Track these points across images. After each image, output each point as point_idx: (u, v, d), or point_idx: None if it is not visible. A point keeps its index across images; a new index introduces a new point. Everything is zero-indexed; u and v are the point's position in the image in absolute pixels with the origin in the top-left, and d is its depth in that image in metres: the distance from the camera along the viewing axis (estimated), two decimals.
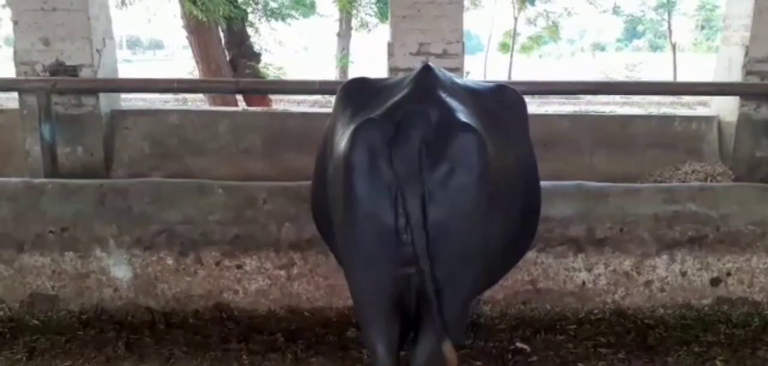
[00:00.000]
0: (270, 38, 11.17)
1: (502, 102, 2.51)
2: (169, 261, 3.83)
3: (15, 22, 4.73)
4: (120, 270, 3.80)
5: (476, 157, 2.01)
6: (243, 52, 9.10)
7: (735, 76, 4.88)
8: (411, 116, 2.06)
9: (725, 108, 5.10)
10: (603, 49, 48.75)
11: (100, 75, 4.87)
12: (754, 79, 4.76)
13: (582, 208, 3.86)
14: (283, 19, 11.83)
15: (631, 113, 5.98)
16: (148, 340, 3.64)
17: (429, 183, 1.97)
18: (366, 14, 18.87)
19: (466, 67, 13.68)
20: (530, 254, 3.82)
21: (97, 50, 4.85)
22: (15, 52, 4.73)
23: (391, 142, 2.00)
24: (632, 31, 47.36)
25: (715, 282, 3.91)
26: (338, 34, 18.93)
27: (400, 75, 2.62)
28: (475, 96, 2.36)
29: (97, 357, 3.45)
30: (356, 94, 2.45)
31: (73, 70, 4.73)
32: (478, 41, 36.55)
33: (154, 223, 3.79)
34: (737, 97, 4.92)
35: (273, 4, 10.60)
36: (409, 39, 4.71)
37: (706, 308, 3.92)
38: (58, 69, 4.72)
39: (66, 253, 3.78)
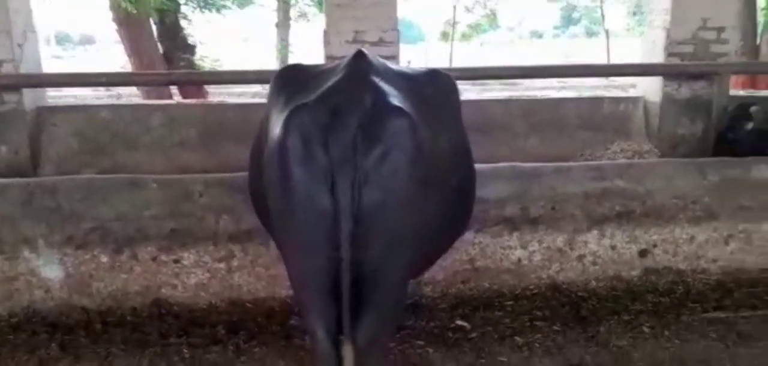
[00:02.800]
0: (205, 30, 10.95)
1: (434, 87, 2.56)
2: (104, 259, 3.73)
3: None
4: (51, 270, 3.67)
5: (409, 140, 2.05)
6: (177, 45, 8.88)
7: (658, 57, 5.11)
8: (345, 101, 2.08)
9: (650, 89, 5.34)
10: (541, 36, 49.99)
11: (23, 70, 4.66)
12: (675, 60, 5.00)
13: (516, 188, 3.98)
14: (217, 10, 11.60)
15: (562, 97, 6.18)
16: (84, 340, 3.54)
17: (363, 167, 1.99)
18: (305, 4, 18.70)
19: (408, 56, 13.80)
20: (468, 235, 3.90)
21: (18, 45, 4.63)
22: None
23: (326, 127, 2.01)
24: (568, 18, 48.76)
25: (642, 254, 4.12)
26: (277, 25, 18.69)
27: (335, 61, 2.62)
28: (408, 81, 2.40)
29: (30, 360, 3.34)
30: (290, 80, 2.45)
31: None
32: (420, 30, 36.89)
33: (86, 220, 3.68)
34: (661, 78, 5.16)
35: None
36: (345, 27, 4.71)
37: (635, 279, 4.12)
38: None
39: None
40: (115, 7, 7.91)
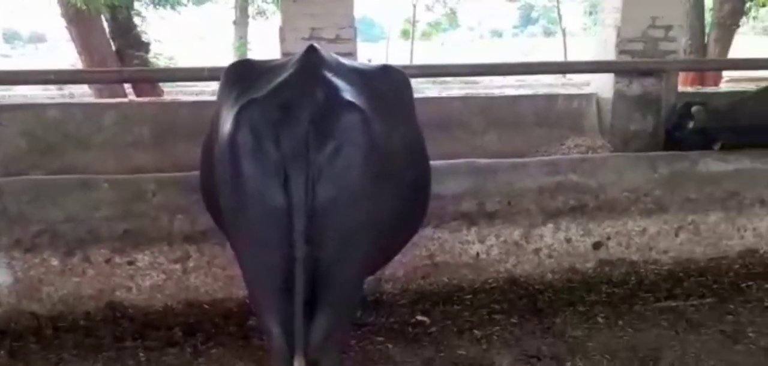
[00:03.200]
0: (160, 27, 10.70)
1: (387, 82, 2.57)
2: (54, 262, 3.62)
3: None
4: None
5: (362, 134, 2.05)
6: (130, 42, 8.65)
7: (610, 55, 5.23)
8: (297, 96, 2.06)
9: (603, 86, 5.46)
10: (500, 35, 50.68)
11: None
12: (626, 58, 5.13)
13: (472, 184, 4.03)
14: (173, 7, 11.35)
15: (518, 94, 6.28)
16: (34, 347, 3.44)
17: (316, 163, 1.98)
18: (262, 1, 18.50)
19: (369, 54, 13.77)
20: (427, 231, 3.94)
21: None
22: None
23: (277, 122, 2.00)
24: (527, 17, 49.59)
25: (596, 246, 4.22)
26: (234, 22, 18.43)
27: (287, 57, 2.60)
28: (360, 76, 2.40)
29: None
30: (240, 76, 2.42)
31: None
32: (381, 29, 36.85)
33: (34, 223, 3.56)
34: (612, 76, 5.29)
35: None
36: (301, 24, 4.67)
37: (590, 271, 4.23)
38: None
39: None
40: (65, 3, 7.66)
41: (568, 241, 4.17)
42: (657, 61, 5.15)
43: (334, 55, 2.50)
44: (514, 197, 4.05)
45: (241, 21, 18.29)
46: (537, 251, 4.14)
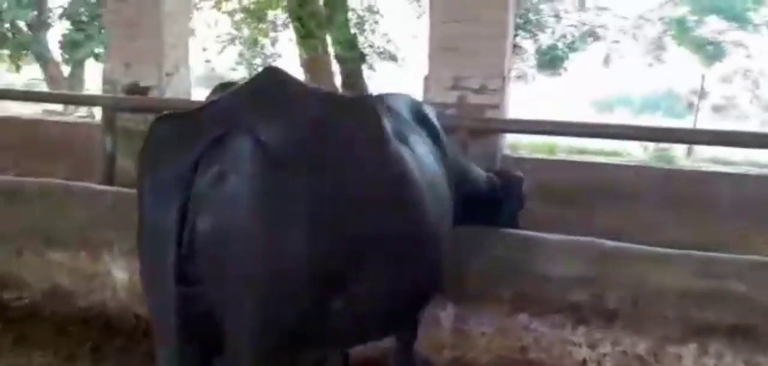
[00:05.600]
0: (387, 78, 11.29)
1: (355, 119, 2.12)
2: None
3: (107, 47, 5.40)
4: None
5: (251, 163, 1.72)
6: (357, 92, 9.29)
7: None
8: (212, 117, 1.84)
9: None
10: None
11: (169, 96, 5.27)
12: None
13: (589, 270, 3.19)
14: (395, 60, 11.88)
15: (715, 170, 4.88)
16: (138, 347, 3.72)
17: (198, 189, 1.73)
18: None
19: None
20: (522, 318, 3.26)
21: (167, 74, 5.28)
22: (102, 72, 5.37)
23: (179, 143, 1.80)
24: None
25: None
26: None
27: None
28: (325, 105, 2.04)
29: None
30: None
31: (143, 91, 5.21)
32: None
33: None
34: None
35: (389, 47, 10.72)
36: (445, 73, 4.38)
37: None
38: (134, 89, 5.24)
39: None
40: (301, 51, 8.63)
41: None
42: None
43: (311, 87, 2.20)
44: (645, 297, 3.08)
45: None
46: None
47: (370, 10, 11.41)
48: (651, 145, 9.63)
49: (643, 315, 3.09)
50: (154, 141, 1.86)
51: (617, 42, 18.74)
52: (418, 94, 4.72)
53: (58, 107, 10.63)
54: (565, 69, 18.84)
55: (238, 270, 1.77)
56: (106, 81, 5.39)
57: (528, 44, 18.88)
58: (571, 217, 4.22)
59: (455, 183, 3.05)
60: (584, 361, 3.19)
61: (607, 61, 19.32)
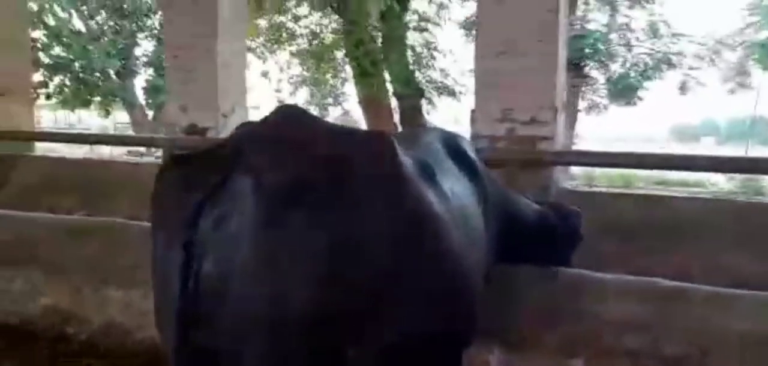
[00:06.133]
0: (445, 114, 11.22)
1: (363, 155, 2.00)
2: None
3: (168, 92, 5.62)
4: None
5: (254, 205, 1.66)
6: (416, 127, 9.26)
7: None
8: (223, 158, 1.81)
9: None
10: None
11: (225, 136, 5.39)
12: None
13: (646, 312, 2.95)
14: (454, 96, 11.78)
15: None
16: None
17: (202, 230, 1.70)
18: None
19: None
20: (574, 363, 3.03)
21: (223, 115, 5.41)
22: (163, 115, 5.59)
23: (188, 185, 1.78)
24: None
25: None
26: None
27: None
28: (337, 142, 1.96)
29: None
30: None
31: (202, 131, 5.36)
32: None
33: None
34: None
35: (447, 82, 10.64)
36: (493, 106, 4.25)
37: None
38: (192, 130, 5.40)
39: None
40: (358, 90, 8.72)
41: None
42: None
43: (319, 120, 2.12)
44: (713, 345, 2.80)
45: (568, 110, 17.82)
46: None
47: (427, 46, 11.45)
48: (738, 175, 9.03)
49: (708, 363, 2.80)
50: (163, 183, 1.86)
51: (694, 69, 17.93)
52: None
53: (142, 149, 11.13)
54: (640, 98, 18.19)
55: (241, 314, 1.71)
56: (167, 123, 5.59)
57: (598, 74, 18.38)
58: (635, 254, 3.95)
59: (500, 218, 2.91)
60: None
61: (684, 88, 18.50)
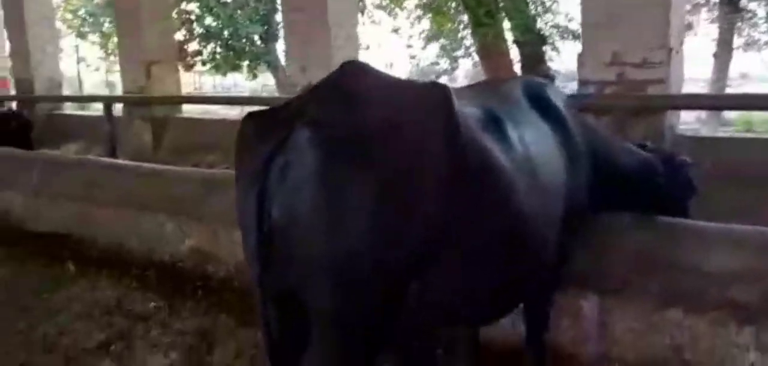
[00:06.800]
0: (572, 60, 10.57)
1: (419, 105, 2.07)
2: None
3: (287, 54, 6.05)
4: None
5: (312, 155, 1.83)
6: (537, 74, 8.93)
7: None
8: (291, 113, 1.96)
9: None
10: None
11: None
12: None
13: (756, 262, 2.78)
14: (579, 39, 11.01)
15: None
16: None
17: (270, 179, 1.88)
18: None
19: None
20: (673, 313, 2.94)
21: None
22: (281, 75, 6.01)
23: (259, 138, 1.97)
24: None
25: None
26: (715, 55, 16.38)
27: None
28: (394, 96, 2.07)
29: None
30: None
31: None
32: None
33: None
34: None
35: (571, 26, 9.96)
36: (602, 47, 4.07)
37: None
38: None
39: None
40: (479, 38, 8.60)
41: None
42: None
43: (380, 71, 2.20)
44: None
45: (722, 53, 16.11)
46: None
47: None
48: None
49: None
50: (240, 137, 2.07)
51: None
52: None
53: None
54: None
55: (307, 258, 1.89)
56: (289, 84, 6.02)
57: (758, 8, 16.42)
58: (759, 204, 3.68)
59: (594, 167, 2.88)
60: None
61: None
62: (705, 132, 4.94)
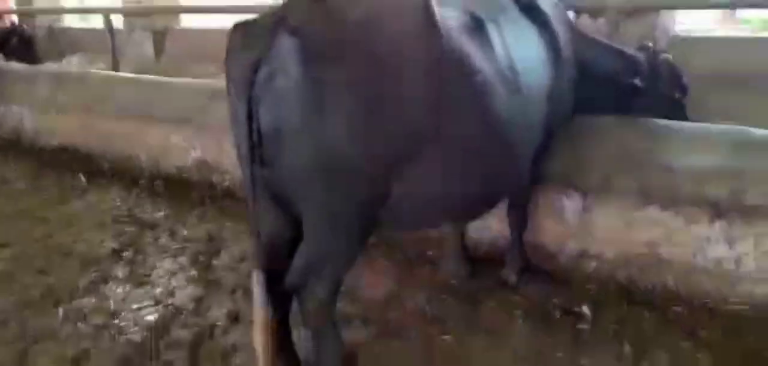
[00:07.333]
0: None
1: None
2: None
3: None
4: None
5: (295, 63, 1.93)
6: None
7: None
8: (277, 19, 2.02)
9: None
10: None
11: None
12: None
13: (727, 160, 2.90)
14: None
15: None
16: None
17: (256, 87, 2.00)
18: None
19: None
20: (651, 210, 3.09)
21: None
22: None
23: (246, 46, 2.04)
24: None
25: None
26: None
27: None
28: (375, 2, 2.11)
29: None
30: None
31: None
32: None
33: None
34: None
35: None
36: None
37: None
38: None
39: None
40: None
41: None
42: None
43: None
44: None
45: None
46: None
47: None
48: None
49: None
50: (229, 46, 2.14)
51: None
52: None
53: None
54: None
55: (294, 160, 2.03)
56: None
57: None
58: (750, 104, 3.73)
59: (577, 68, 2.96)
60: (720, 260, 2.96)
61: None
62: (699, 34, 4.89)
